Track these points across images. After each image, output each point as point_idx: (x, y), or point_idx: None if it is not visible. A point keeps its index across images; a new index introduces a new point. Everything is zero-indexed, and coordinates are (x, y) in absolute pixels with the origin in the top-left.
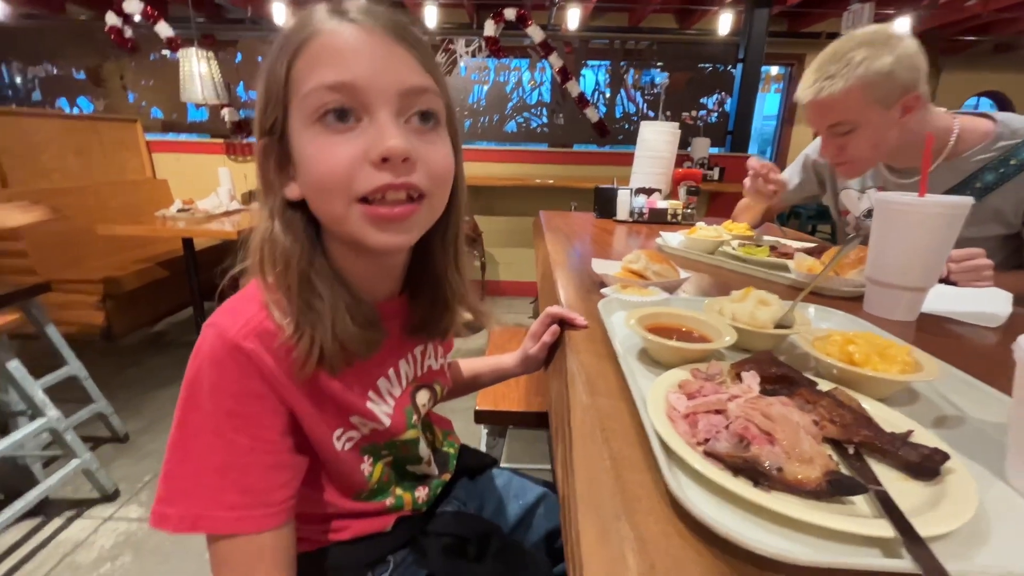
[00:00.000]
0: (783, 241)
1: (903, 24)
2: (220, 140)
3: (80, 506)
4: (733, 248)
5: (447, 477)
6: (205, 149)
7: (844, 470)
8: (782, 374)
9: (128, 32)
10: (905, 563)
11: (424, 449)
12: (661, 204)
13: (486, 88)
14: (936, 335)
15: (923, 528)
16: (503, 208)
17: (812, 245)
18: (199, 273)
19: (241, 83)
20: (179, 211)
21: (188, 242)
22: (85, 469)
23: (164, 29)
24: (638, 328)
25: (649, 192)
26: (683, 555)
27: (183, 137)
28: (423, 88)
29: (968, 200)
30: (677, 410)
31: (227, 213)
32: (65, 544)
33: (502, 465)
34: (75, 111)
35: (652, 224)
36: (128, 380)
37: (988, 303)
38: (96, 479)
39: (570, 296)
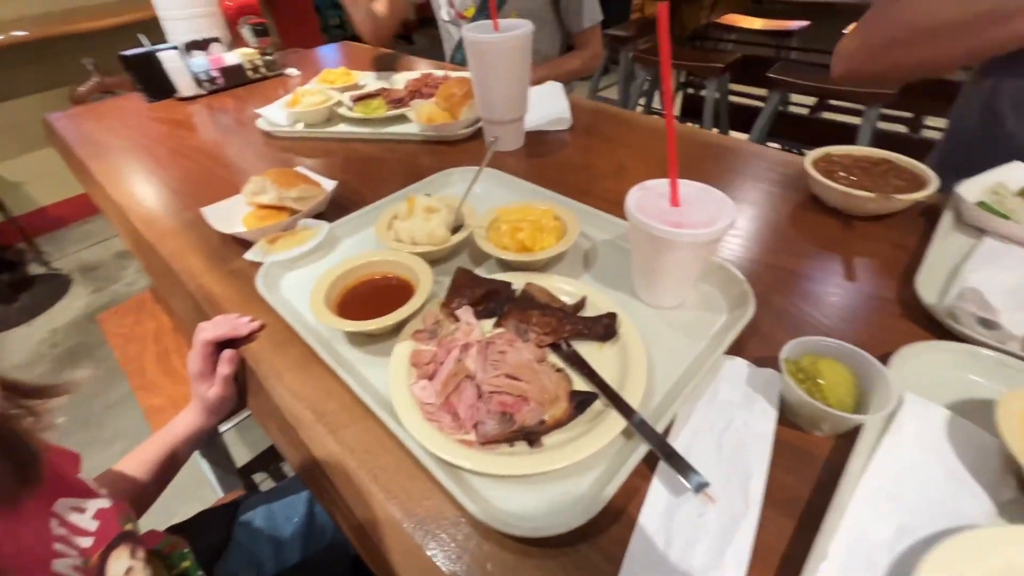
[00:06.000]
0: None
1: None
2: None
3: None
4: (350, 109)
5: None
6: None
7: (569, 371)
8: (485, 292)
9: None
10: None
11: None
12: (231, 58)
13: None
14: (539, 155)
15: (631, 400)
16: None
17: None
18: None
19: None
20: None
21: None
22: None
23: None
24: (332, 320)
25: (204, 45)
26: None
27: None
28: None
29: (526, 24)
30: (430, 403)
31: None
32: None
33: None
34: None
35: (234, 90)
36: None
37: (551, 103)
38: None
39: (205, 284)
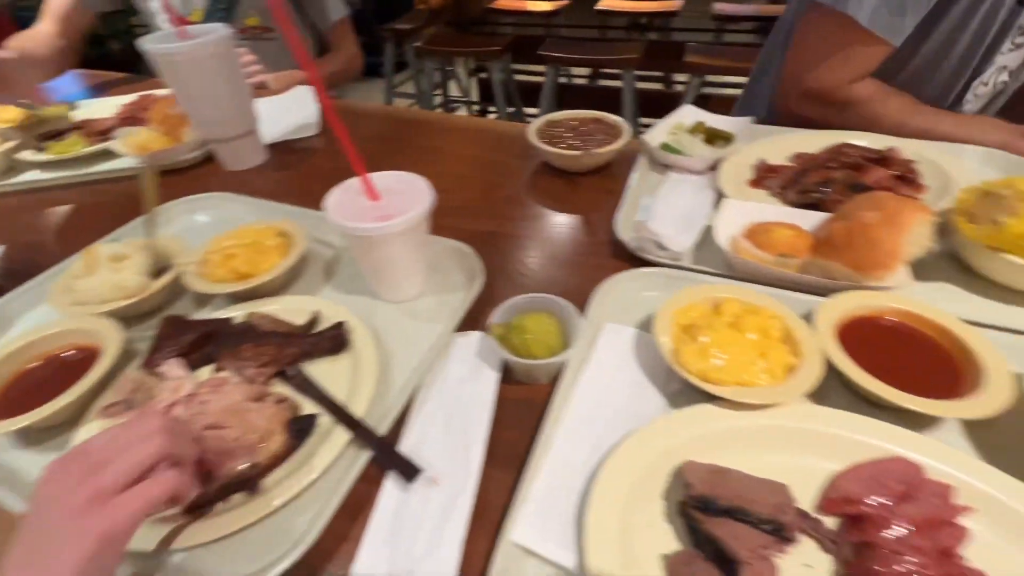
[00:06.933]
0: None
1: None
2: None
3: None
4: (40, 150)
5: None
6: None
7: (297, 397)
8: (197, 337)
9: None
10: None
11: None
12: None
13: None
14: (285, 168)
15: (358, 407)
16: None
17: (130, 100)
18: None
19: None
20: None
21: None
22: None
23: None
24: None
25: None
26: None
27: None
28: None
29: (220, 28)
30: None
31: None
32: None
33: None
34: None
35: None
36: None
37: (296, 110)
38: None
39: None
